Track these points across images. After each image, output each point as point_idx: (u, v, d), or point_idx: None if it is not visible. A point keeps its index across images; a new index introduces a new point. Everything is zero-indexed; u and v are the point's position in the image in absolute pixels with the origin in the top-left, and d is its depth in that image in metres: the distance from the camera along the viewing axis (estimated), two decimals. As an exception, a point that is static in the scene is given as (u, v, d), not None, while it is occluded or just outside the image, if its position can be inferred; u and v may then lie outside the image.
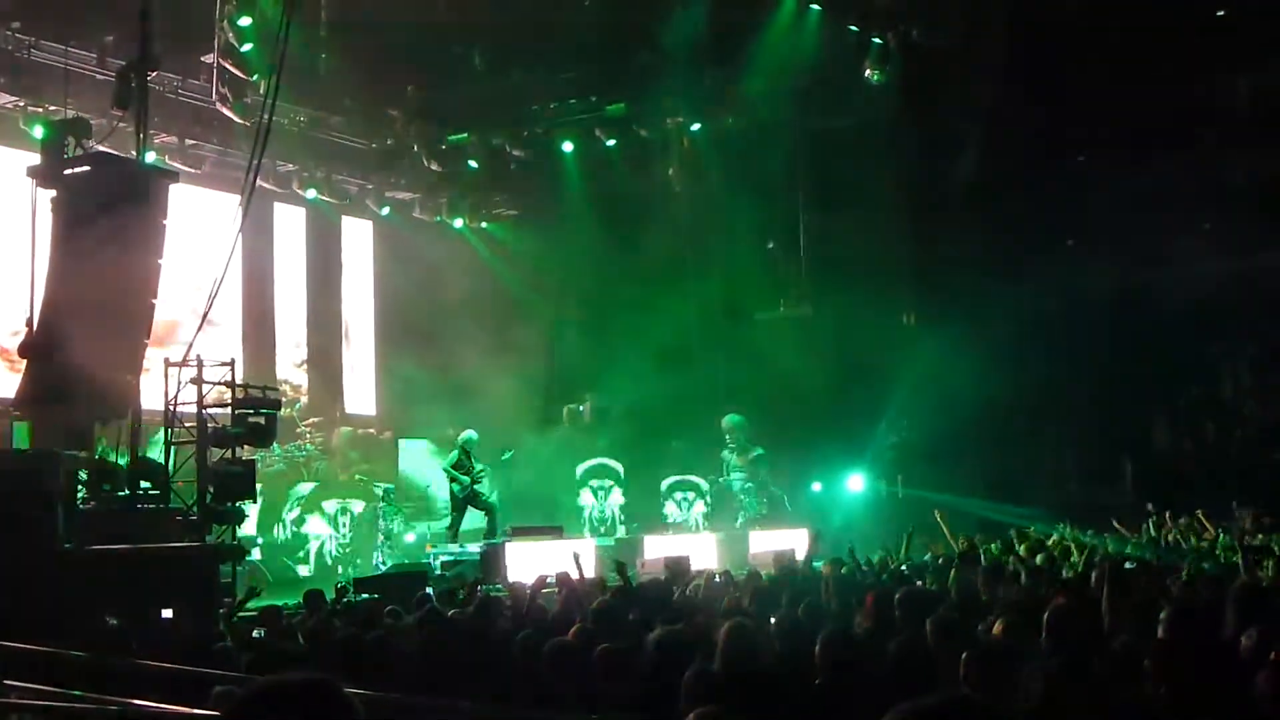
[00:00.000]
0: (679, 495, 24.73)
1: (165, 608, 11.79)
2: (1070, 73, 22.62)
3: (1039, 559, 13.31)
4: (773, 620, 8.41)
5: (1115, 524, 18.15)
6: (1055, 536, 17.14)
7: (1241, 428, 23.58)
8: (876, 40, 22.14)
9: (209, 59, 20.52)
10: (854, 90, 22.54)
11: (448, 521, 20.41)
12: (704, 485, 24.55)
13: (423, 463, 24.49)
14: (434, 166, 25.11)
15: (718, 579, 13.29)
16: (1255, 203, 22.57)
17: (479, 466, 20.06)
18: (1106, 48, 22.04)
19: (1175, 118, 22.91)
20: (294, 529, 20.80)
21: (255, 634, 9.93)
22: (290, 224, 25.19)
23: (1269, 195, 22.24)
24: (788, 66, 22.37)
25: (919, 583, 11.56)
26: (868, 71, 22.12)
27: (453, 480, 19.93)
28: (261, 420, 16.06)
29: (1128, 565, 11.86)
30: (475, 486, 19.90)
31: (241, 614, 11.62)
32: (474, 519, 20.34)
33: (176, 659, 7.57)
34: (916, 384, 23.21)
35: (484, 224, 27.50)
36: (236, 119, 20.82)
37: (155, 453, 15.89)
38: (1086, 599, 8.52)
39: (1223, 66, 22.41)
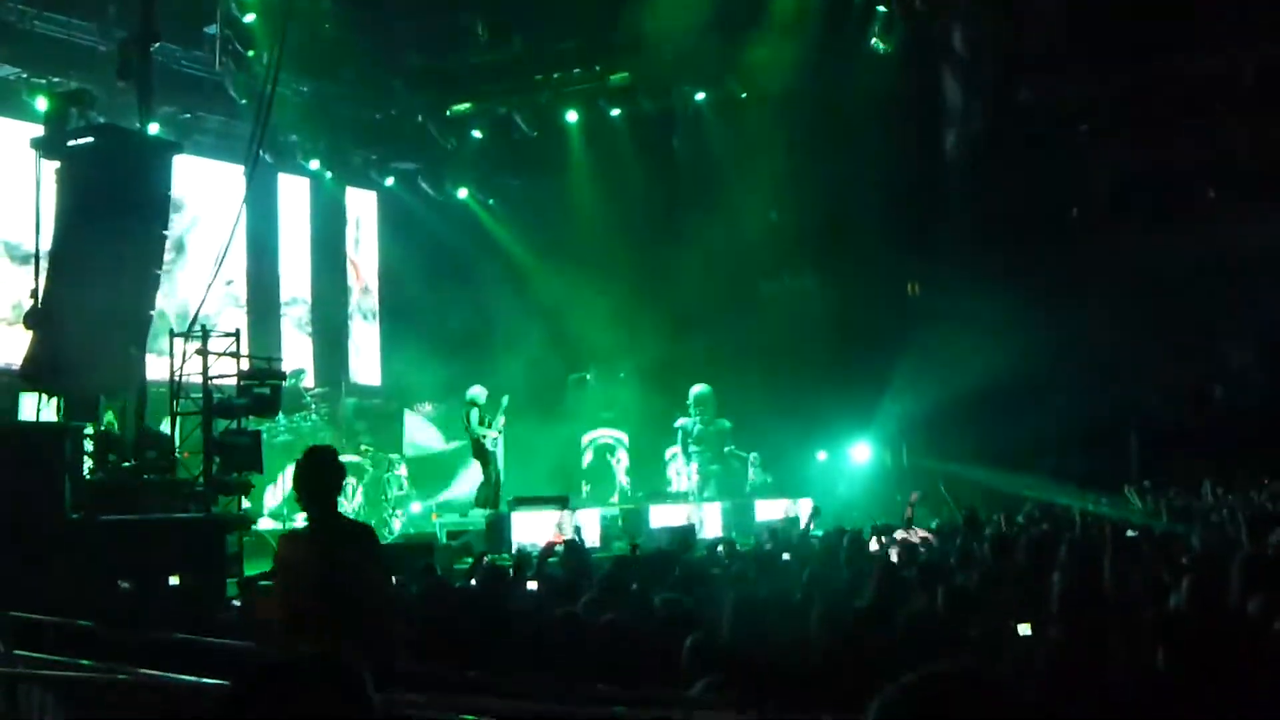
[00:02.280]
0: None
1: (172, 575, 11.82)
2: (1074, 42, 22.55)
3: (1043, 527, 13.33)
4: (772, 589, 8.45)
5: (1125, 490, 18.19)
6: (1059, 505, 17.19)
7: (1246, 398, 23.56)
8: (881, 9, 22.08)
9: (211, 30, 20.48)
10: (859, 59, 22.47)
11: (480, 484, 20.43)
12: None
13: (429, 433, 24.52)
14: (438, 137, 25.08)
15: (720, 549, 13.33)
16: (1261, 172, 22.53)
17: (495, 420, 20.16)
18: (1111, 16, 21.98)
19: (1181, 88, 22.85)
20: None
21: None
22: (294, 195, 25.18)
23: (1274, 165, 22.19)
24: (792, 35, 22.29)
25: (921, 550, 11.58)
26: (873, 40, 22.05)
27: (481, 437, 20.00)
28: (267, 391, 16.05)
29: (1130, 533, 11.88)
30: (495, 441, 20.06)
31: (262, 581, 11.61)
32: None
33: (182, 627, 7.61)
34: (921, 353, 23.20)
35: (488, 194, 27.45)
36: (239, 91, 20.81)
37: (160, 424, 15.90)
38: (1091, 568, 8.53)
39: (1231, 37, 22.32)
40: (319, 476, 6.74)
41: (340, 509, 6.80)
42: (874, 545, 12.61)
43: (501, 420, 20.23)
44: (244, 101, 20.73)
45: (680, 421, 23.41)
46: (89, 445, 13.95)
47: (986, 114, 23.09)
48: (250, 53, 20.57)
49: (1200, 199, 23.97)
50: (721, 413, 23.39)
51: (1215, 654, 4.94)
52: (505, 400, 20.44)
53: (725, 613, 6.42)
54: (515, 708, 5.06)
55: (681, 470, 23.28)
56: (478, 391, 20.26)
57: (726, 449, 23.51)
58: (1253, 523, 11.58)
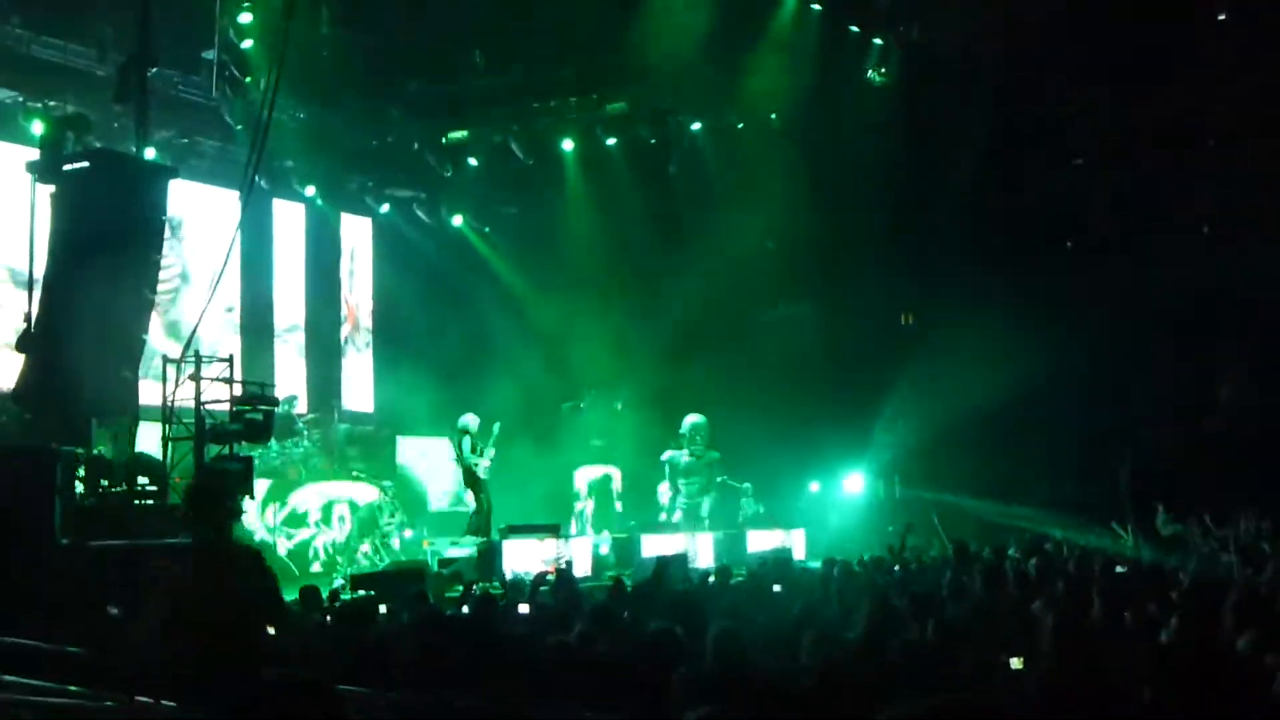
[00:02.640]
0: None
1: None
2: (1069, 72, 22.64)
3: (1032, 562, 13.32)
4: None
5: (1113, 525, 18.20)
6: (1050, 537, 17.20)
7: (1242, 427, 23.55)
8: (877, 40, 22.18)
9: (209, 55, 20.53)
10: (855, 89, 22.57)
11: (470, 514, 20.34)
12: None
13: (421, 460, 24.47)
14: (434, 164, 25.12)
15: (712, 579, 13.32)
16: (1261, 199, 22.56)
17: (487, 449, 20.05)
18: (1105, 46, 22.07)
19: (1173, 116, 22.91)
20: (290, 526, 20.75)
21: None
22: (289, 221, 25.17)
23: (1267, 191, 22.22)
24: (788, 66, 22.39)
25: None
26: (869, 72, 22.14)
27: (474, 465, 19.89)
28: (259, 417, 16.02)
29: (1120, 569, 11.89)
30: (488, 469, 19.97)
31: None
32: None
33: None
34: (915, 383, 23.23)
35: (483, 221, 27.47)
36: (235, 117, 20.87)
37: (152, 449, 15.88)
38: (1081, 601, 8.52)
39: (1222, 66, 22.38)
40: (214, 497, 6.83)
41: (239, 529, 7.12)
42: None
43: (493, 450, 20.13)
44: (240, 127, 20.79)
45: (667, 454, 23.40)
46: (80, 470, 13.91)
47: (981, 144, 23.14)
48: (247, 79, 20.63)
49: (1196, 230, 24.02)
50: (715, 442, 23.38)
51: (1205, 688, 4.93)
52: (497, 428, 20.36)
53: (708, 645, 6.42)
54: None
55: (669, 503, 23.25)
56: (470, 420, 20.19)
57: (720, 479, 23.53)
58: (1245, 556, 11.59)
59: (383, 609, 10.77)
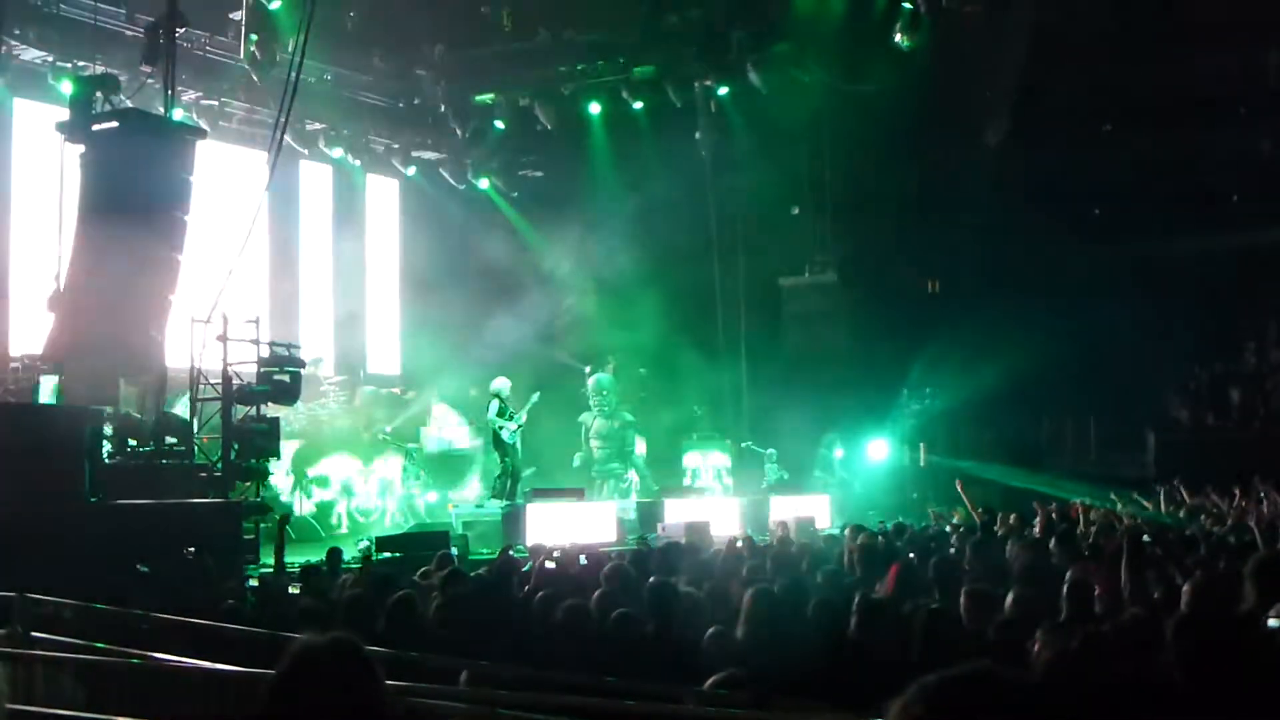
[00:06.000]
0: (701, 458, 24.80)
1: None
2: (1099, 41, 22.48)
3: (1060, 529, 13.29)
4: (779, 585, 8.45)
5: (1134, 496, 18.14)
6: (1075, 505, 17.15)
7: (1265, 402, 23.48)
8: (906, 5, 22.03)
9: (237, 16, 20.53)
10: (883, 56, 22.43)
11: (496, 474, 20.34)
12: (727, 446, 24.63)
13: (445, 423, 24.51)
14: (460, 127, 25.11)
15: (739, 544, 13.31)
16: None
17: (518, 414, 20.01)
18: (1136, 16, 21.92)
19: (1204, 88, 22.75)
20: (316, 487, 20.85)
21: (293, 590, 9.97)
22: (316, 182, 25.18)
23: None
24: (817, 31, 22.27)
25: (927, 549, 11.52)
26: (898, 37, 22.00)
27: (500, 429, 19.87)
28: (286, 378, 16.08)
29: (1145, 538, 11.85)
30: (515, 434, 19.94)
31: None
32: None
33: (200, 614, 7.63)
34: (940, 351, 23.19)
35: (509, 184, 27.45)
36: (263, 77, 20.84)
37: (180, 409, 15.95)
38: (1105, 571, 8.51)
39: (1255, 38, 22.21)
40: None
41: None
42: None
43: (524, 416, 20.08)
44: (268, 89, 20.77)
45: (582, 417, 23.47)
46: (108, 429, 13.99)
47: (1009, 111, 23.02)
48: (275, 40, 20.60)
49: (1224, 199, 23.88)
50: (738, 407, 23.36)
51: (1229, 660, 4.92)
52: (535, 398, 20.34)
53: (743, 609, 6.42)
54: (525, 699, 5.07)
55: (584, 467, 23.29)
56: (501, 383, 20.18)
57: (741, 442, 23.54)
58: (1271, 527, 11.53)
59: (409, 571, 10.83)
